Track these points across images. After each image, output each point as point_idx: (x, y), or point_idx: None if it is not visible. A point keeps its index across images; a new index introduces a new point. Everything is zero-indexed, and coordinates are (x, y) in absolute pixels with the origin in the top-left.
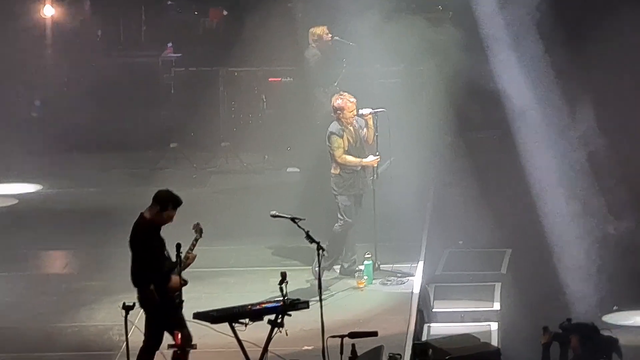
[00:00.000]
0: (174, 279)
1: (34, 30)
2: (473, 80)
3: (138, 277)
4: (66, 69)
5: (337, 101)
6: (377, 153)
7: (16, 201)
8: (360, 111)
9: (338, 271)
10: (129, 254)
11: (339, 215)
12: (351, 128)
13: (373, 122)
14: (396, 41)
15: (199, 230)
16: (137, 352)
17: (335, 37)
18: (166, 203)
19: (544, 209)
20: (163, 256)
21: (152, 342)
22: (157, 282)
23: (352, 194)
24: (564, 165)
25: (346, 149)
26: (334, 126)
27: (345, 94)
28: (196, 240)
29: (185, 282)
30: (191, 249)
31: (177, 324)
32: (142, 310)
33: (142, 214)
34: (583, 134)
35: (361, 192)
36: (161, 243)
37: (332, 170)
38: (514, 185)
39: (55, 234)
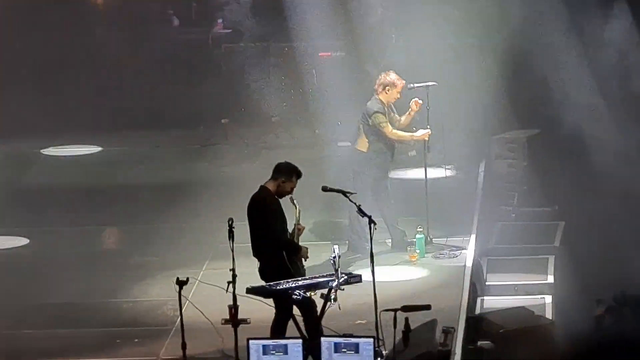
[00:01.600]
0: (304, 248)
1: (88, 7)
2: (525, 51)
3: (267, 247)
4: (118, 47)
5: (391, 75)
6: (428, 126)
7: (69, 179)
8: (411, 85)
9: (390, 245)
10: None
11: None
12: (387, 108)
13: (426, 95)
14: (448, 13)
15: (294, 203)
16: (269, 326)
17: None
18: (291, 174)
19: (598, 180)
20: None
21: (282, 315)
22: (289, 250)
23: (372, 173)
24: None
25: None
26: (376, 104)
27: (395, 73)
28: (299, 212)
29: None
30: (298, 221)
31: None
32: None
33: (263, 186)
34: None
35: (385, 174)
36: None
37: (358, 147)
38: (566, 157)
39: (109, 209)
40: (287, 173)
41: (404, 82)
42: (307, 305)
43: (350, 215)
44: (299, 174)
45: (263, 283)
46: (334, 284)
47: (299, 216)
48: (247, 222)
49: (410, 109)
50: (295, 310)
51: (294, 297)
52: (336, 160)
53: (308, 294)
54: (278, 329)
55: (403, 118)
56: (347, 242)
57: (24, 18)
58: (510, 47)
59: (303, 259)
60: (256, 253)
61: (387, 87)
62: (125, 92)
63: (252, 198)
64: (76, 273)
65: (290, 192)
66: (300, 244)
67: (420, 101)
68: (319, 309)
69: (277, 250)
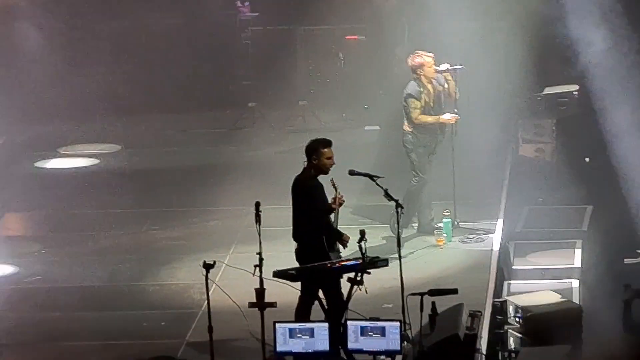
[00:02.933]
0: (345, 235)
1: None
2: (553, 36)
3: (306, 229)
4: (144, 31)
5: (416, 59)
6: (455, 110)
7: (97, 161)
8: (437, 68)
9: (416, 229)
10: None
11: (413, 172)
12: (430, 87)
13: (453, 78)
14: None
15: (335, 186)
16: (294, 309)
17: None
18: (317, 149)
19: (625, 164)
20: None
21: (307, 297)
22: (327, 234)
23: (425, 151)
24: None
25: (423, 109)
26: (412, 87)
27: (420, 51)
28: (339, 195)
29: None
30: (338, 202)
31: (333, 280)
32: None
33: (305, 168)
34: None
35: (434, 150)
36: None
37: (405, 127)
38: (593, 141)
39: (136, 193)
40: (314, 150)
41: (431, 55)
42: (332, 288)
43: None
44: (325, 143)
45: (289, 266)
46: (361, 267)
47: (339, 198)
48: (274, 206)
49: (445, 77)
50: (321, 294)
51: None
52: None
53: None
54: (303, 312)
55: (448, 88)
56: (378, 225)
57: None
58: (538, 29)
59: (342, 246)
60: (295, 235)
61: (418, 70)
62: (152, 75)
63: (295, 180)
64: (104, 256)
65: (329, 163)
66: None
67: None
68: (345, 292)
69: (316, 233)
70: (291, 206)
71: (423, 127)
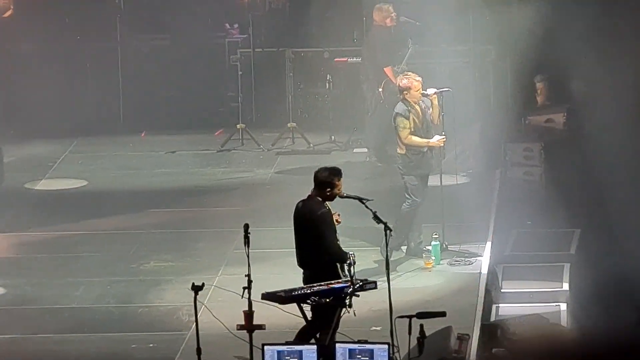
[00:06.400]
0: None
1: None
2: (540, 59)
3: (321, 257)
4: (134, 51)
5: (403, 81)
6: (443, 133)
7: (85, 182)
8: (424, 92)
9: (405, 252)
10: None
11: (406, 195)
12: (417, 108)
13: (438, 102)
14: (463, 20)
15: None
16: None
17: (401, 17)
18: (333, 180)
19: (613, 188)
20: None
21: (316, 324)
22: (342, 259)
23: (419, 174)
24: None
25: (412, 129)
26: (400, 107)
27: (410, 73)
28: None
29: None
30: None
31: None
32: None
33: (311, 195)
34: None
35: (427, 172)
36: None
37: (399, 150)
38: (581, 165)
39: (123, 214)
40: (329, 183)
41: (419, 79)
42: (327, 314)
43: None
44: (339, 175)
45: (278, 288)
46: (349, 290)
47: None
48: (262, 228)
49: (431, 100)
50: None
51: (309, 302)
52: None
53: (323, 300)
54: (305, 337)
55: (431, 111)
56: (366, 248)
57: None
58: (526, 52)
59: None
60: (303, 263)
61: (404, 91)
62: (141, 95)
63: (302, 208)
64: (91, 278)
65: (339, 193)
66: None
67: (433, 90)
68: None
69: (332, 261)
70: (293, 232)
71: (415, 150)
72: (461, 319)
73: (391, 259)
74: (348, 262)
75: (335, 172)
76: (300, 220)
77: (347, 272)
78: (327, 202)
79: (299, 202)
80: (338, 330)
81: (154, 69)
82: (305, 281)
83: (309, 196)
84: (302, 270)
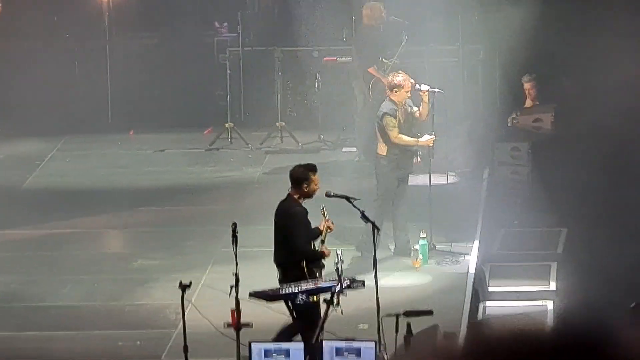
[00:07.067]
0: (327, 251)
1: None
2: (529, 59)
3: (289, 257)
4: (123, 49)
5: (398, 77)
6: (433, 132)
7: (72, 180)
8: (418, 86)
9: (393, 251)
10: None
11: (376, 195)
12: (402, 108)
13: (429, 100)
14: (452, 19)
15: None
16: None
17: (391, 17)
18: (308, 176)
19: (600, 188)
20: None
21: (299, 323)
22: (312, 260)
23: (397, 175)
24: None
25: (399, 128)
26: (387, 106)
27: (402, 72)
28: (326, 227)
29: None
30: (324, 234)
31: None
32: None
33: (289, 194)
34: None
35: (406, 173)
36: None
37: (378, 151)
38: (570, 164)
39: (111, 213)
40: (305, 178)
41: (412, 81)
42: (308, 313)
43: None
44: (314, 170)
45: (266, 287)
46: (337, 288)
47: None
48: (250, 227)
49: (422, 96)
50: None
51: (297, 301)
52: (341, 164)
53: (311, 298)
54: (286, 335)
55: (421, 108)
56: (354, 247)
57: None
58: (515, 52)
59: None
60: (277, 260)
61: (394, 89)
62: (129, 94)
63: (279, 206)
64: (79, 276)
65: (317, 188)
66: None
67: (427, 87)
68: (322, 313)
69: (299, 260)
70: (273, 229)
71: (397, 150)
72: (448, 317)
73: (379, 258)
74: (335, 260)
75: (310, 167)
76: (275, 218)
77: (317, 273)
78: (305, 201)
79: (279, 201)
80: (325, 328)
81: (142, 68)
82: (279, 282)
83: (288, 195)
84: None
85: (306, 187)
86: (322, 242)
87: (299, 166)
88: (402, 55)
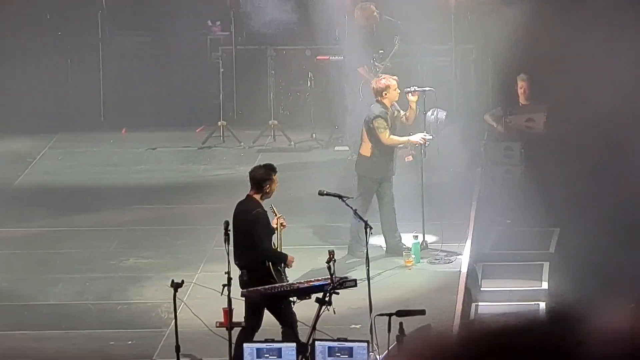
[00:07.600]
0: (290, 256)
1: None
2: (521, 59)
3: (253, 257)
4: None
5: (382, 81)
6: (425, 132)
7: (64, 178)
8: (407, 89)
9: (385, 250)
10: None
11: (358, 192)
12: (391, 109)
13: (419, 100)
14: (444, 19)
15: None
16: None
17: (385, 17)
18: (269, 176)
19: (592, 187)
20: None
21: (251, 323)
22: (276, 261)
23: (377, 179)
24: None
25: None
26: (377, 108)
27: (385, 74)
28: (279, 224)
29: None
30: (278, 230)
31: (281, 303)
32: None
33: (249, 195)
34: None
35: (387, 175)
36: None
37: (361, 151)
38: (562, 163)
39: (103, 211)
40: (267, 179)
41: (396, 78)
42: (287, 316)
43: (351, 219)
44: (275, 170)
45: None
46: (329, 288)
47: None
48: None
49: (409, 103)
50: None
51: (290, 300)
52: (334, 163)
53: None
54: (246, 338)
55: (407, 113)
56: (346, 246)
57: None
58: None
59: (287, 267)
60: (241, 263)
61: (383, 92)
62: (121, 92)
63: (239, 208)
64: (70, 274)
65: (275, 188)
66: (289, 247)
67: (415, 95)
68: (313, 312)
69: (263, 260)
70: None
71: (384, 152)
72: (441, 317)
73: (371, 257)
74: (327, 259)
75: (271, 168)
76: (235, 220)
77: (283, 274)
78: (263, 203)
79: (238, 203)
80: (317, 328)
81: (135, 66)
82: (242, 283)
83: (247, 196)
84: None
85: (267, 188)
86: (278, 240)
87: (260, 167)
88: (394, 55)
